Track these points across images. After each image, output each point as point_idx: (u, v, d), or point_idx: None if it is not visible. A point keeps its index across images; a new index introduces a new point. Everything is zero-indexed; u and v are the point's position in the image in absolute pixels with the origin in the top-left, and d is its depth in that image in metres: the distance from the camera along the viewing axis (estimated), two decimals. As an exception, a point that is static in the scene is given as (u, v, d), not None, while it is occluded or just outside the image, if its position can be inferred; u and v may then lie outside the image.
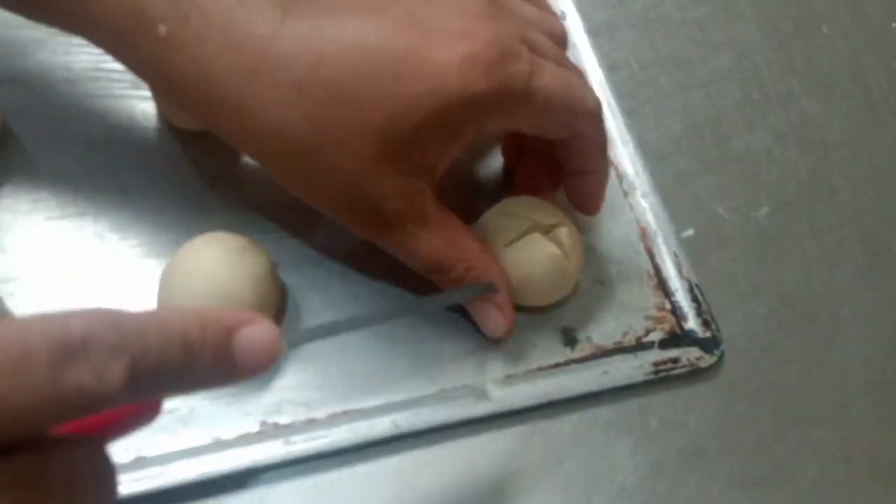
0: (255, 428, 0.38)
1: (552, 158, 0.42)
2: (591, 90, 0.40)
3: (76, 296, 0.40)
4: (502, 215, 0.41)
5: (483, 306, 0.41)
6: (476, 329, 0.42)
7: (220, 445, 0.38)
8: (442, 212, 0.39)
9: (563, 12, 0.53)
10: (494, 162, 0.47)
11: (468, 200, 0.45)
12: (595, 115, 0.40)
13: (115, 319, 0.21)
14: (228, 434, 0.38)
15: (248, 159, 0.44)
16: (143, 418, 0.25)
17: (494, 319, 0.41)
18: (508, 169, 0.47)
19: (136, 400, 0.22)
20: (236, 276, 0.38)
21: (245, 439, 0.38)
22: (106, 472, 0.23)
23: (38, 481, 0.20)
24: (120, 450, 0.36)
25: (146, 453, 0.37)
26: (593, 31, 0.53)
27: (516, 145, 0.46)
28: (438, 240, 0.39)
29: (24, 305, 0.40)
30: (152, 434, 0.37)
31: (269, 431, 0.38)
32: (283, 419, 0.39)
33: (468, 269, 0.39)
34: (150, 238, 0.42)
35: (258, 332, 0.24)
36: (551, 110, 0.38)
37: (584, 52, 0.52)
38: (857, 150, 0.52)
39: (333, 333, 0.32)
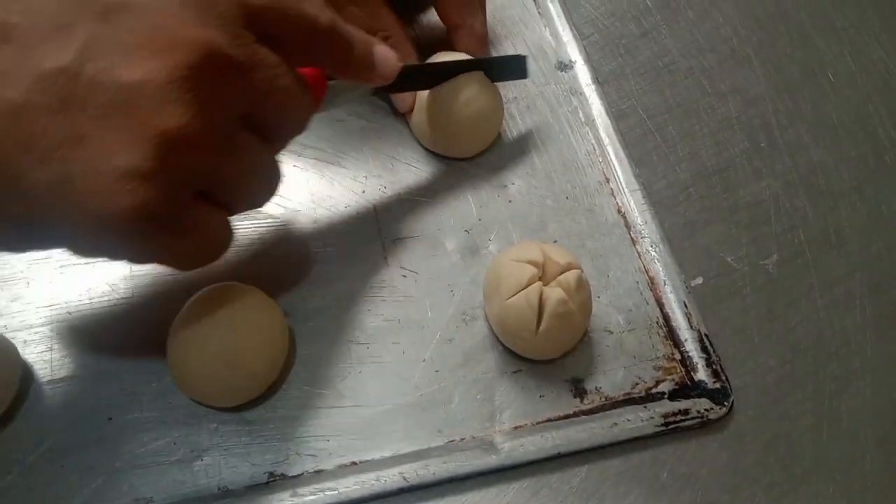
0: (263, 479, 0.38)
1: None
2: None
3: (88, 342, 0.41)
4: (512, 260, 0.42)
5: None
6: (486, 379, 0.42)
7: (228, 495, 0.38)
8: (384, 6, 0.48)
9: (571, 61, 0.54)
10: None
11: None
12: None
13: None
14: (237, 485, 0.38)
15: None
16: (322, 87, 0.39)
17: (403, 97, 0.49)
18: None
19: (328, 49, 0.36)
20: (247, 326, 0.38)
21: (253, 491, 0.38)
22: (305, 91, 0.35)
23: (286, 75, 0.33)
24: (127, 500, 0.37)
25: (157, 501, 0.37)
26: (601, 80, 0.54)
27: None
28: (363, 9, 0.46)
29: (37, 354, 0.40)
30: (165, 482, 0.37)
31: (278, 483, 0.38)
32: (292, 470, 0.39)
33: (386, 38, 0.47)
34: (162, 288, 0.43)
35: (388, 51, 0.39)
36: None
37: (591, 100, 0.53)
38: (865, 198, 0.52)
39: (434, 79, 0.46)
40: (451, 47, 0.50)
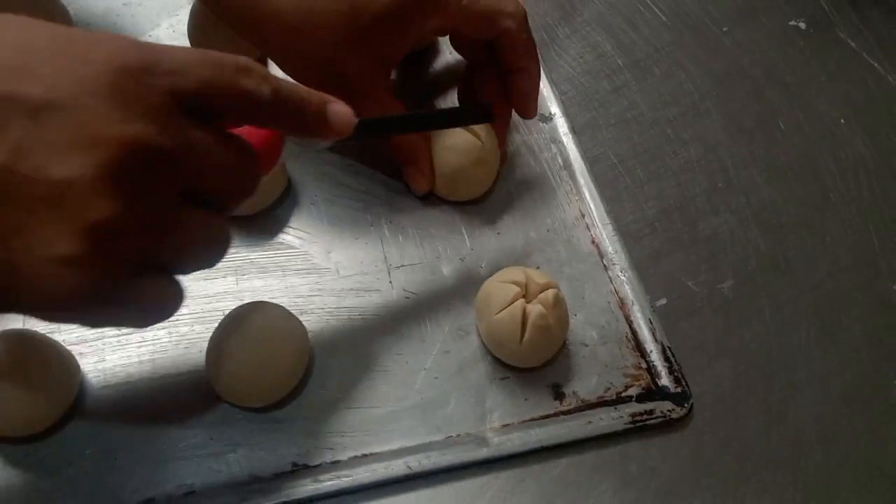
0: (288, 468, 0.45)
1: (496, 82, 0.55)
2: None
3: (136, 354, 0.48)
4: (499, 282, 0.49)
5: (411, 170, 0.55)
6: (478, 384, 0.49)
7: (258, 482, 0.44)
8: (392, 98, 0.52)
9: (551, 113, 0.62)
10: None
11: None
12: (514, 14, 0.52)
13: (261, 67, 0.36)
14: (265, 473, 0.44)
15: (280, 242, 0.52)
16: (273, 152, 0.40)
17: (418, 180, 0.55)
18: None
19: (274, 116, 0.37)
20: (274, 338, 0.45)
21: (279, 478, 0.44)
22: (248, 161, 0.36)
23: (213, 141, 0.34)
24: (172, 486, 0.43)
25: (197, 487, 0.43)
26: (577, 130, 0.61)
27: (467, 88, 0.59)
28: (378, 109, 0.50)
29: (92, 364, 0.47)
30: (203, 471, 0.43)
31: (300, 471, 0.45)
32: (312, 461, 0.45)
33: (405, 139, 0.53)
34: (199, 307, 0.49)
35: (342, 107, 0.40)
36: (474, 7, 0.50)
37: (569, 147, 0.60)
38: (811, 231, 0.59)
39: (393, 130, 0.50)
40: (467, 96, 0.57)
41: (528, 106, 0.56)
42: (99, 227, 0.30)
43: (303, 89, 0.38)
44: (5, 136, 0.29)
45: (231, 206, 0.37)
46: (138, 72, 0.31)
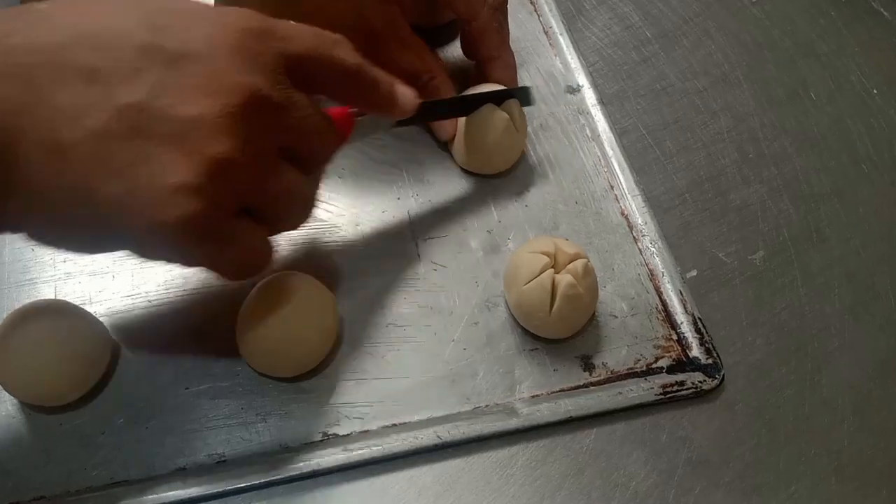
0: (318, 437, 0.45)
1: None
2: None
3: (168, 325, 0.48)
4: (527, 252, 0.48)
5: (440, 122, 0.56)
6: (507, 355, 0.48)
7: (288, 451, 0.44)
8: (413, 36, 0.53)
9: (578, 84, 0.61)
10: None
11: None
12: (482, 2, 0.53)
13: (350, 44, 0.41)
14: (296, 442, 0.45)
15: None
16: (349, 124, 0.44)
17: (444, 124, 0.55)
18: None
19: (355, 89, 0.42)
20: (303, 309, 0.45)
21: (309, 447, 0.44)
22: (332, 129, 0.41)
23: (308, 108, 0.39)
24: (202, 455, 0.43)
25: (227, 456, 0.44)
26: (606, 101, 0.61)
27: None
28: (412, 55, 0.53)
29: (124, 335, 0.47)
30: (234, 441, 0.44)
31: (330, 441, 0.45)
32: (342, 430, 0.45)
33: (432, 78, 0.53)
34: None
35: (408, 89, 0.45)
36: None
37: (597, 118, 0.59)
38: (843, 200, 0.58)
39: (448, 112, 0.54)
40: (479, 81, 0.56)
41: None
42: (216, 160, 0.34)
43: (378, 70, 0.43)
44: (145, 77, 0.34)
45: (315, 168, 0.42)
46: (259, 34, 0.37)
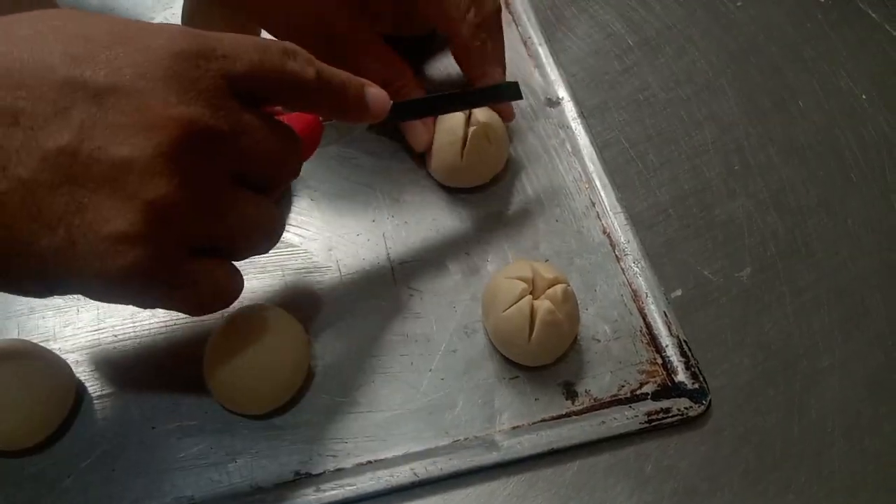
0: (290, 477, 0.43)
1: None
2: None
3: (132, 361, 0.46)
4: (505, 278, 0.47)
5: (414, 124, 0.53)
6: (486, 384, 0.47)
7: (260, 492, 0.43)
8: (380, 43, 0.51)
9: (558, 97, 0.59)
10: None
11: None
12: (461, 19, 0.51)
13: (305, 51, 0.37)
14: (267, 483, 0.43)
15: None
16: (314, 139, 0.43)
17: (420, 133, 0.53)
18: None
19: (318, 98, 0.38)
20: (272, 342, 0.43)
21: (281, 488, 0.43)
22: (292, 144, 0.38)
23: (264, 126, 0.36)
24: (171, 498, 0.42)
25: (197, 498, 0.42)
26: (587, 114, 0.59)
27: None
28: (378, 62, 0.51)
29: (88, 373, 0.46)
30: (203, 482, 0.42)
31: (303, 480, 0.43)
32: (315, 469, 0.44)
33: (403, 86, 0.51)
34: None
35: (379, 91, 0.41)
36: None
37: (578, 132, 0.58)
38: (831, 213, 0.57)
39: (425, 112, 0.50)
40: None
41: (503, 109, 0.54)
42: (156, 204, 0.32)
43: (343, 73, 0.40)
44: (70, 118, 0.31)
45: (276, 190, 0.39)
46: (194, 57, 0.33)
